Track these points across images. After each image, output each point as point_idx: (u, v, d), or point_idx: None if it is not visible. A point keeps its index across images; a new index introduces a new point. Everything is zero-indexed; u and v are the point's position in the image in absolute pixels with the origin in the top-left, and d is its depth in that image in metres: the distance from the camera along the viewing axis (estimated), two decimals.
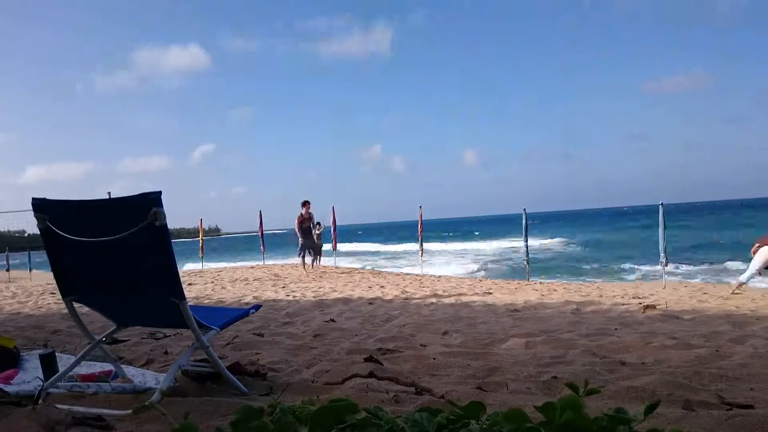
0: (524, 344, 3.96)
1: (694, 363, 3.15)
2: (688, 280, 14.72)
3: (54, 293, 10.38)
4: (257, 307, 3.24)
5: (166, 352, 3.76)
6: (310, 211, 14.94)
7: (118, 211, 2.36)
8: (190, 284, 12.19)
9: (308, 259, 15.72)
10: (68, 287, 2.55)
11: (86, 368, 2.91)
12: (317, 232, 15.77)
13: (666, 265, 11.62)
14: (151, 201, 2.20)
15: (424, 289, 9.99)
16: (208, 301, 8.69)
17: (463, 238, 52.67)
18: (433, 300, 7.90)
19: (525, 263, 14.46)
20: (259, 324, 5.32)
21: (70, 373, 2.57)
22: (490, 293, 9.07)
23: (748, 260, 9.29)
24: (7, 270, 22.05)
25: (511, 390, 2.57)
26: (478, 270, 23.48)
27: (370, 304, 7.46)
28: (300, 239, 15.14)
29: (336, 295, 8.95)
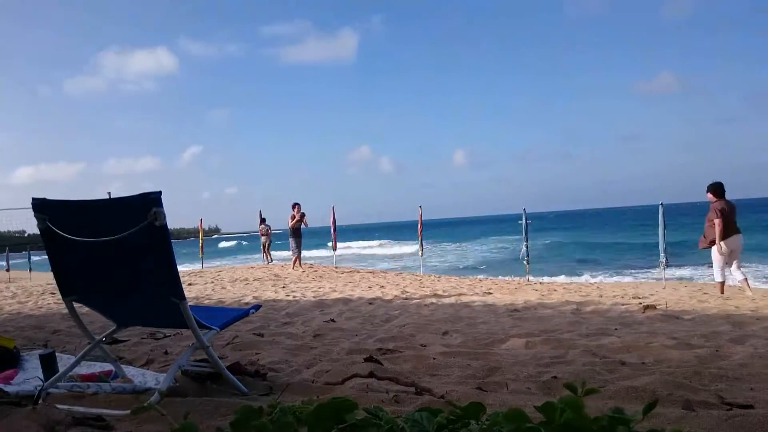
0: (524, 344, 3.96)
1: (694, 363, 3.15)
2: (688, 280, 14.72)
3: (54, 293, 10.38)
4: (257, 307, 3.24)
5: (166, 352, 3.76)
6: (302, 212, 16.04)
7: (118, 211, 2.36)
8: (190, 284, 12.19)
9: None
10: (68, 287, 2.55)
11: (86, 368, 2.91)
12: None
13: (666, 266, 11.62)
14: (152, 201, 2.20)
15: (424, 289, 9.99)
16: (208, 301, 8.69)
17: (461, 238, 52.68)
18: (433, 300, 7.90)
19: (525, 263, 14.46)
20: (259, 324, 5.32)
21: (70, 373, 2.57)
22: (490, 293, 9.07)
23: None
24: (7, 270, 22.06)
25: (511, 390, 2.57)
26: (478, 270, 23.48)
27: (370, 304, 7.46)
28: (292, 240, 16.25)
29: (336, 295, 8.95)
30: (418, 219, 17.12)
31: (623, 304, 6.79)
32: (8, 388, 2.39)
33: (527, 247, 14.45)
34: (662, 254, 11.49)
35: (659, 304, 6.59)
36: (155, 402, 2.08)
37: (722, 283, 8.86)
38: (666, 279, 11.29)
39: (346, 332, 4.73)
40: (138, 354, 3.71)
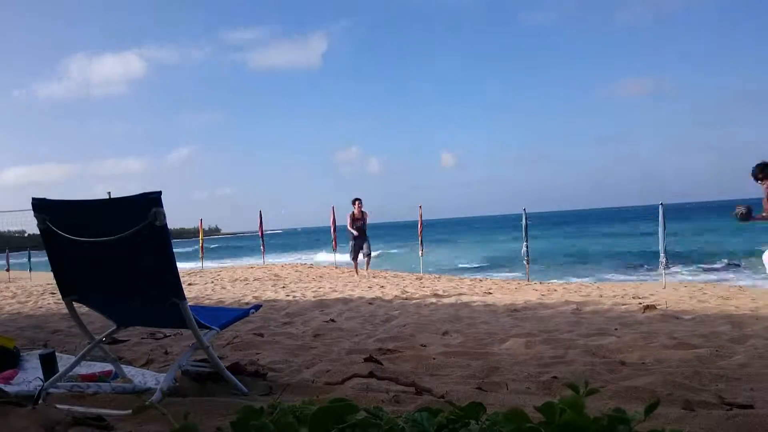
0: (524, 344, 3.96)
1: (694, 363, 3.15)
2: (688, 280, 14.72)
3: (54, 293, 10.38)
4: (257, 307, 3.24)
5: (166, 352, 3.76)
6: (362, 209, 13.51)
7: (118, 211, 2.36)
8: (190, 284, 12.19)
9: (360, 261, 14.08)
10: (68, 287, 2.55)
11: (86, 368, 2.91)
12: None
13: (666, 266, 11.63)
14: (152, 201, 2.20)
15: (424, 289, 9.99)
16: (208, 301, 8.69)
17: (459, 238, 52.71)
18: (433, 300, 7.90)
19: (525, 263, 14.46)
20: (259, 324, 5.32)
21: (70, 373, 2.57)
22: (490, 293, 9.07)
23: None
24: (7, 270, 22.05)
25: (511, 390, 2.57)
26: (478, 270, 23.48)
27: (370, 304, 7.46)
28: (351, 240, 13.65)
29: (336, 295, 8.95)
30: (418, 219, 17.12)
31: (623, 304, 6.80)
32: (8, 388, 2.39)
33: (527, 247, 14.45)
34: (662, 254, 11.49)
35: (659, 304, 6.59)
36: (156, 401, 2.08)
37: None
38: (666, 279, 11.29)
39: (346, 332, 4.73)
40: (138, 354, 3.71)
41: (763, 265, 7.85)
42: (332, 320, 5.67)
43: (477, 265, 26.76)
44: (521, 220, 14.34)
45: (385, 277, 13.48)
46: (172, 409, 1.93)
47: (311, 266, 19.33)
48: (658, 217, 11.42)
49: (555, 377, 2.78)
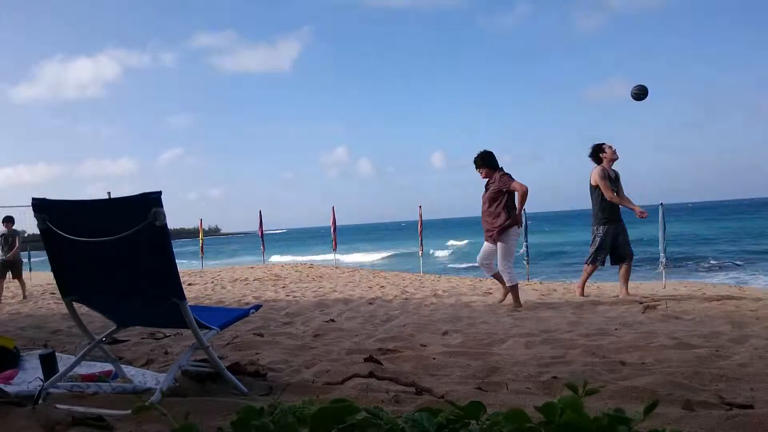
0: (524, 344, 3.96)
1: (694, 363, 3.15)
2: (688, 280, 14.72)
3: (54, 293, 10.38)
4: (257, 307, 3.24)
5: (166, 352, 3.76)
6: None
7: (118, 211, 2.36)
8: (190, 284, 12.19)
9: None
10: (68, 287, 2.55)
11: (86, 368, 2.91)
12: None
13: (666, 266, 11.62)
14: (152, 201, 2.20)
15: (424, 289, 9.99)
16: (208, 301, 8.69)
17: (457, 238, 52.70)
18: (433, 300, 7.89)
19: (525, 263, 14.46)
20: (259, 324, 5.32)
21: (70, 373, 2.57)
22: (490, 293, 9.06)
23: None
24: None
25: (511, 390, 2.57)
26: (478, 270, 23.46)
27: (370, 304, 7.46)
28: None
29: (336, 295, 8.96)
30: (418, 219, 17.12)
31: (623, 304, 6.79)
32: (8, 388, 2.39)
33: (527, 247, 14.44)
34: (662, 254, 11.48)
35: (659, 304, 6.59)
36: (156, 401, 2.08)
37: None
38: (666, 279, 11.29)
39: (346, 332, 4.73)
40: (138, 354, 3.71)
41: None
42: (332, 320, 5.67)
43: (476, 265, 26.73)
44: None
45: (385, 277, 13.48)
46: (172, 409, 1.93)
47: (311, 266, 19.32)
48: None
49: (555, 377, 2.78)
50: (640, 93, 6.96)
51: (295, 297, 8.76)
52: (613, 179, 7.20)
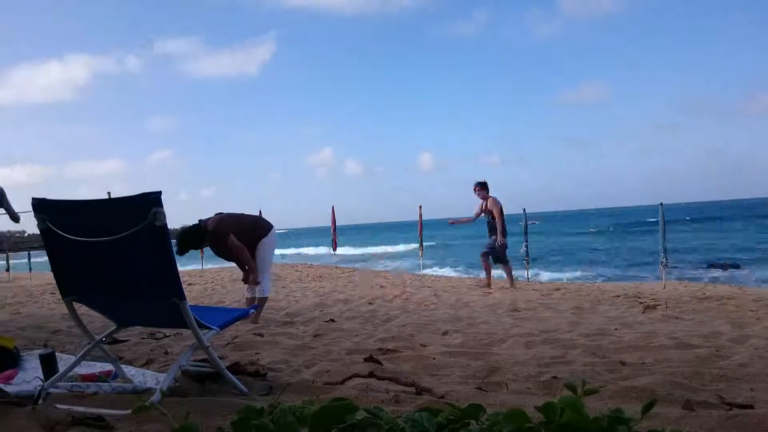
0: (524, 344, 3.96)
1: (694, 363, 3.15)
2: (688, 280, 14.72)
3: (54, 293, 10.38)
4: (257, 307, 3.24)
5: (166, 352, 3.76)
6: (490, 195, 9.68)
7: (118, 211, 2.36)
8: (190, 284, 12.19)
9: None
10: (68, 287, 2.55)
11: (86, 368, 2.91)
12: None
13: (666, 266, 11.62)
14: (152, 201, 2.20)
15: (424, 289, 9.99)
16: (208, 301, 8.69)
17: (459, 238, 52.71)
18: (433, 300, 7.89)
19: (525, 263, 14.46)
20: (259, 324, 5.31)
21: (70, 373, 2.57)
22: (490, 293, 9.06)
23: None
24: (7, 270, 22.03)
25: (511, 390, 2.57)
26: (478, 270, 23.46)
27: (370, 304, 7.46)
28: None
29: (336, 295, 8.96)
30: (418, 219, 17.12)
31: (623, 304, 6.79)
32: (8, 388, 2.39)
33: (527, 247, 14.44)
34: (662, 254, 11.48)
35: (659, 304, 6.59)
36: (156, 401, 2.08)
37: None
38: (666, 279, 11.28)
39: (346, 332, 4.73)
40: (138, 354, 3.71)
41: None
42: (332, 320, 5.67)
43: (475, 265, 26.74)
44: (521, 221, 14.34)
45: (385, 277, 13.48)
46: (172, 409, 1.93)
47: (311, 266, 19.31)
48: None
49: (555, 377, 2.78)
50: None
51: (295, 297, 8.76)
52: None
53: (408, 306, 7.08)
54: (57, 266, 2.51)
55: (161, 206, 2.20)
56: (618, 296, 7.95)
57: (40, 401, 2.17)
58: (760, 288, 11.36)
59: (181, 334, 4.49)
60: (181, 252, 5.33)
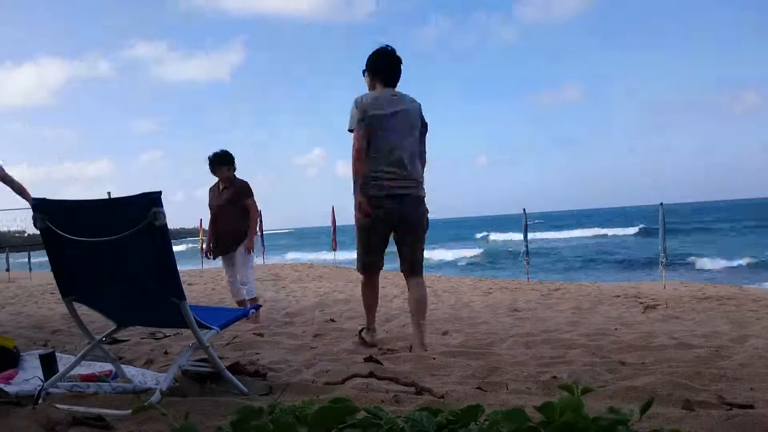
0: (524, 344, 3.96)
1: (694, 363, 3.15)
2: (688, 280, 14.72)
3: (54, 293, 10.38)
4: (257, 307, 3.24)
5: (166, 352, 3.76)
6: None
7: (118, 211, 2.36)
8: (190, 284, 12.19)
9: None
10: (68, 287, 2.55)
11: (86, 368, 2.91)
12: None
13: (666, 266, 11.63)
14: (152, 201, 2.20)
15: None
16: (208, 301, 8.69)
17: (455, 238, 52.82)
18: (433, 300, 7.90)
19: (525, 263, 14.46)
20: (259, 324, 5.32)
21: (70, 373, 2.57)
22: (490, 293, 9.08)
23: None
24: (7, 270, 22.04)
25: (511, 390, 2.57)
26: (478, 270, 23.48)
27: None
28: None
29: (336, 295, 8.96)
30: None
31: (623, 304, 6.80)
32: (8, 388, 2.39)
33: (527, 247, 14.45)
34: (662, 254, 11.50)
35: (659, 304, 6.59)
36: (156, 401, 2.08)
37: None
38: (666, 279, 11.29)
39: (346, 332, 4.73)
40: (138, 354, 3.71)
41: None
42: (332, 320, 5.67)
43: (475, 265, 26.75)
44: (521, 221, 14.35)
45: (385, 277, 13.49)
46: (172, 409, 1.93)
47: (311, 266, 19.32)
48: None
49: (555, 377, 2.78)
50: None
51: (295, 297, 8.76)
52: None
53: (408, 306, 7.08)
54: (57, 266, 2.51)
55: (161, 206, 2.20)
56: (618, 296, 7.96)
57: (40, 401, 2.17)
58: (760, 288, 11.37)
59: (181, 334, 4.49)
60: (212, 166, 5.77)
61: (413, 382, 2.59)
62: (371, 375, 2.67)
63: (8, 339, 3.33)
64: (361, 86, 4.03)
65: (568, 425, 1.13)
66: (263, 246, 21.40)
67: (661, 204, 11.40)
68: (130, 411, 1.94)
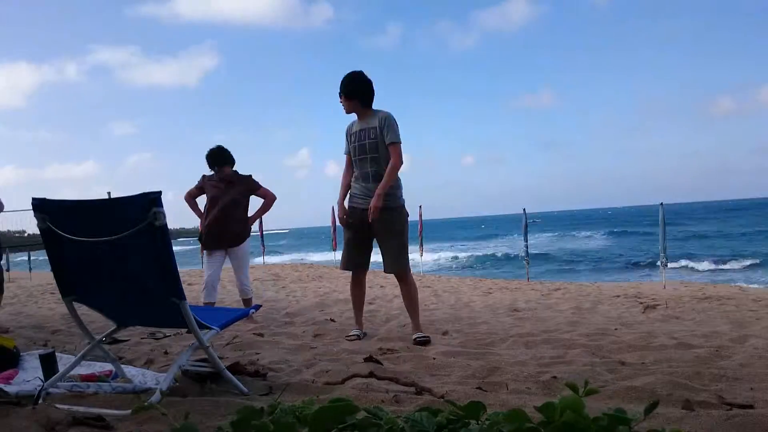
0: (524, 344, 3.96)
1: (694, 363, 3.15)
2: (689, 280, 14.72)
3: (54, 293, 10.37)
4: (257, 307, 3.24)
5: (166, 352, 3.76)
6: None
7: (118, 211, 2.36)
8: (190, 284, 12.19)
9: None
10: (68, 287, 2.55)
11: (86, 368, 2.91)
12: None
13: (666, 265, 11.63)
14: (152, 201, 2.20)
15: (424, 289, 9.99)
16: None
17: (456, 238, 52.81)
18: (433, 300, 7.90)
19: (525, 263, 14.46)
20: (259, 324, 5.32)
21: (70, 373, 2.57)
22: (490, 293, 9.08)
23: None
24: (7, 270, 22.01)
25: (511, 390, 2.57)
26: (478, 270, 23.48)
27: (370, 304, 7.46)
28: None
29: (336, 295, 8.96)
30: (418, 219, 17.12)
31: (623, 304, 6.80)
32: (8, 388, 2.39)
33: (527, 247, 14.45)
34: (662, 254, 11.49)
35: (659, 304, 6.59)
36: (156, 401, 2.08)
37: None
38: (666, 279, 11.29)
39: (346, 332, 4.73)
40: (138, 354, 3.71)
41: None
42: (332, 320, 5.67)
43: (475, 265, 26.74)
44: (521, 221, 14.34)
45: (385, 277, 13.48)
46: (172, 409, 1.93)
47: (311, 266, 19.32)
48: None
49: (555, 377, 2.78)
50: None
51: (295, 297, 8.76)
52: None
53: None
54: (57, 266, 2.51)
55: (161, 206, 2.20)
56: (618, 296, 7.96)
57: (40, 401, 2.17)
58: (760, 288, 11.36)
59: (181, 334, 4.49)
60: (215, 163, 5.63)
61: (413, 382, 2.59)
62: (371, 375, 2.67)
63: (8, 339, 3.33)
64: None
65: (568, 425, 1.13)
66: (263, 246, 21.40)
67: (661, 204, 11.40)
68: (130, 411, 1.94)
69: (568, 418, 1.13)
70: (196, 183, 5.76)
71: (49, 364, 2.75)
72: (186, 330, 2.70)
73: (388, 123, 4.14)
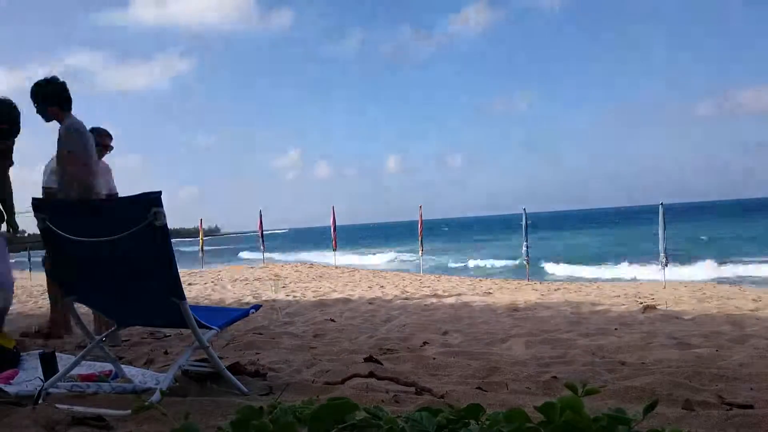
0: (524, 344, 3.96)
1: (694, 363, 3.15)
2: (688, 280, 14.72)
3: None
4: (257, 307, 3.24)
5: (166, 352, 3.76)
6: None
7: (118, 211, 2.36)
8: (190, 284, 12.19)
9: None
10: (68, 287, 2.55)
11: (86, 368, 2.91)
12: None
13: (666, 265, 11.63)
14: (152, 201, 2.20)
15: (424, 289, 9.99)
16: (207, 301, 8.69)
17: (457, 239, 52.79)
18: (433, 300, 7.90)
19: (525, 263, 14.46)
20: (259, 324, 5.32)
21: (70, 373, 2.57)
22: (490, 293, 9.08)
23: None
24: (29, 270, 22.01)
25: (511, 390, 2.57)
26: (479, 270, 23.47)
27: (370, 304, 7.46)
28: None
29: (336, 295, 8.96)
30: (419, 219, 17.12)
31: (623, 304, 6.80)
32: (8, 388, 2.39)
33: (527, 247, 14.45)
34: (662, 254, 11.50)
35: (659, 304, 6.59)
36: (156, 401, 2.08)
37: None
38: (666, 279, 11.29)
39: (346, 332, 4.73)
40: (138, 354, 3.71)
41: None
42: (332, 320, 5.67)
43: (475, 265, 26.74)
44: (520, 220, 14.35)
45: (385, 277, 13.49)
46: (172, 409, 1.93)
47: (311, 266, 19.32)
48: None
49: (555, 377, 2.78)
50: None
51: (295, 297, 8.76)
52: None
53: (408, 306, 7.08)
54: (57, 266, 2.51)
55: (161, 206, 2.20)
56: (618, 296, 7.96)
57: (40, 401, 2.17)
58: (760, 288, 11.36)
59: (181, 334, 4.49)
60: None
61: (413, 382, 2.59)
62: (371, 375, 2.67)
63: (8, 339, 3.32)
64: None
65: (568, 425, 1.13)
66: (263, 245, 21.40)
67: (661, 204, 11.40)
68: (130, 411, 1.94)
69: (568, 418, 1.13)
70: None
71: (49, 364, 2.75)
72: (186, 330, 2.70)
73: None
